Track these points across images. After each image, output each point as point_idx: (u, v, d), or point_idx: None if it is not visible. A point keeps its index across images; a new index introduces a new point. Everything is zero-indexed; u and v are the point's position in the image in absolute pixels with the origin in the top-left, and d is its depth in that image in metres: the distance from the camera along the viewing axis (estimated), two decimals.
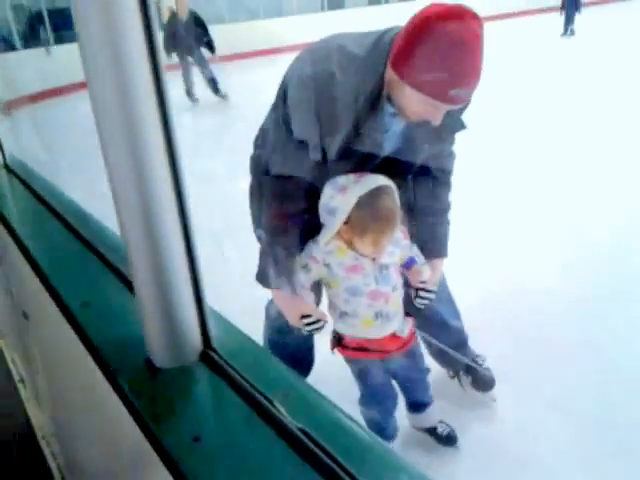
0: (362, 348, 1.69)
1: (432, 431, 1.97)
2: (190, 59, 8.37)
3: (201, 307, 0.67)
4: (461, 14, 1.25)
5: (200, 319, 0.67)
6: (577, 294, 2.75)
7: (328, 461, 0.52)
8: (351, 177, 1.51)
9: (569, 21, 12.63)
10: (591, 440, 1.91)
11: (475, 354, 2.20)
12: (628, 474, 1.77)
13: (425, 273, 1.71)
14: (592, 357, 2.29)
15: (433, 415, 1.96)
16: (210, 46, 8.33)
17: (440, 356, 2.14)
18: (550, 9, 13.62)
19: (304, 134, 1.47)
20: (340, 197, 1.50)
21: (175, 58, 8.23)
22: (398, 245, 1.64)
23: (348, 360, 1.77)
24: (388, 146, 1.56)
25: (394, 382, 1.87)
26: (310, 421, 0.57)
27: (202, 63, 8.45)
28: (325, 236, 1.56)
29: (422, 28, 1.27)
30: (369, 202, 1.48)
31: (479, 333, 2.28)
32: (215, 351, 0.67)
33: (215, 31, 9.07)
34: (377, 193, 1.49)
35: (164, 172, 0.62)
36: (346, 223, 1.51)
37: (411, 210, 1.75)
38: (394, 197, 1.52)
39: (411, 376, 1.86)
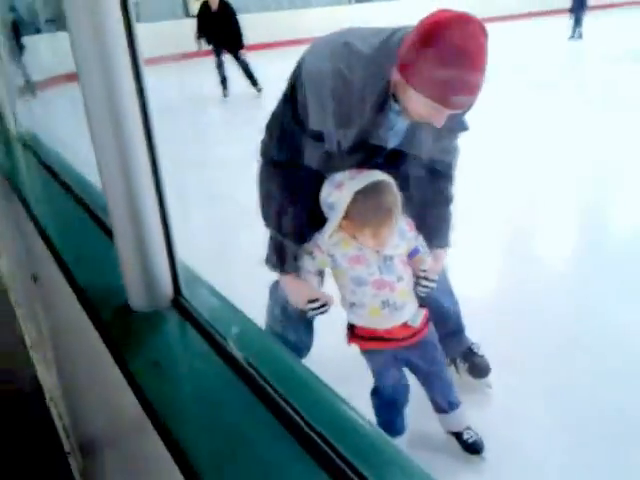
0: (374, 337, 1.72)
1: (458, 436, 1.93)
2: (223, 51, 8.37)
3: (172, 260, 0.77)
4: (467, 22, 1.29)
5: (172, 270, 0.77)
6: (579, 290, 2.83)
7: (262, 383, 0.61)
8: (347, 174, 1.56)
9: (577, 24, 12.48)
10: (575, 428, 1.98)
11: (471, 342, 2.25)
12: (608, 461, 1.82)
13: (427, 262, 1.75)
14: (588, 352, 2.35)
15: (459, 418, 1.93)
16: (239, 38, 8.26)
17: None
18: (557, 11, 13.43)
19: (320, 125, 1.51)
20: (337, 193, 1.55)
21: (205, 46, 8.32)
22: (404, 237, 1.68)
23: (362, 351, 1.80)
24: (393, 142, 1.61)
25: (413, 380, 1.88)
26: (259, 358, 0.67)
27: (237, 57, 8.38)
28: (328, 229, 1.61)
29: (428, 34, 1.29)
30: (365, 198, 1.52)
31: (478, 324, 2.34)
32: (184, 298, 0.78)
33: (241, 21, 9.21)
34: (373, 188, 1.53)
35: (140, 141, 0.72)
36: (346, 218, 1.56)
37: (415, 202, 1.78)
38: (391, 191, 1.56)
39: (428, 369, 1.85)
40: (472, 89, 1.33)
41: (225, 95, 8.52)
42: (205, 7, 8.23)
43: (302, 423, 0.55)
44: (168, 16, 14.97)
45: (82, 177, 1.27)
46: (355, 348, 1.78)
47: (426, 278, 1.72)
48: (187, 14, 15.90)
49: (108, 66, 0.69)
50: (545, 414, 2.05)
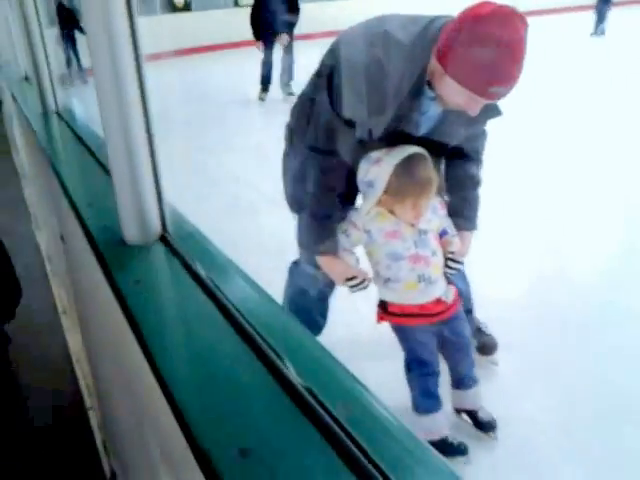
0: (408, 314, 1.78)
1: (473, 414, 1.97)
2: (275, 44, 7.33)
3: (160, 202, 0.92)
4: (509, 16, 1.32)
5: (160, 211, 0.93)
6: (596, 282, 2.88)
7: (233, 311, 0.74)
8: (383, 150, 1.61)
9: (601, 20, 12.24)
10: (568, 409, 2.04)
11: (479, 321, 2.33)
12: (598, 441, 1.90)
13: (455, 244, 1.80)
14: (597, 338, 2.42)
15: (477, 396, 1.97)
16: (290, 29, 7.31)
17: None
18: (583, 7, 13.11)
19: (353, 114, 1.55)
20: (376, 169, 1.60)
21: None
22: (436, 213, 1.74)
23: (395, 327, 1.84)
24: (424, 127, 1.66)
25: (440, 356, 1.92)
26: (238, 294, 0.80)
27: (288, 50, 7.43)
28: (367, 205, 1.67)
29: (470, 26, 1.34)
30: (405, 170, 1.58)
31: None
32: (170, 234, 0.93)
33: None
34: (411, 160, 1.59)
35: (137, 107, 0.87)
36: (385, 192, 1.61)
37: (444, 186, 1.85)
38: (429, 163, 1.62)
39: (457, 343, 1.88)
40: (510, 81, 1.37)
41: (262, 99, 7.66)
42: None
43: (269, 350, 0.65)
44: (219, 5, 15.26)
45: (101, 140, 1.44)
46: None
47: (454, 260, 1.78)
48: (236, 3, 16.17)
49: (114, 51, 0.84)
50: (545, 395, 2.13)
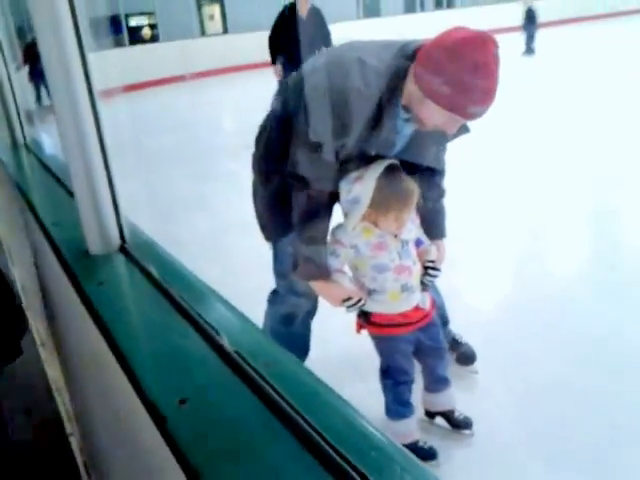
0: (391, 324, 1.83)
1: (449, 415, 2.04)
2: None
3: (119, 217, 1.05)
4: (485, 40, 1.40)
5: (118, 225, 1.06)
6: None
7: (179, 300, 0.88)
8: (361, 169, 1.68)
9: (530, 40, 12.92)
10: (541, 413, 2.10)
11: (454, 332, 2.38)
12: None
13: (433, 252, 1.89)
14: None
15: (452, 398, 2.03)
16: None
17: None
18: (512, 28, 13.75)
19: (323, 139, 1.58)
20: (358, 186, 1.66)
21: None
22: (414, 223, 1.82)
23: (375, 337, 1.90)
24: (398, 146, 1.72)
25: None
26: (187, 289, 0.92)
27: None
28: (352, 222, 1.72)
29: (450, 51, 1.39)
30: (387, 182, 1.65)
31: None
32: (128, 244, 1.06)
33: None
34: (391, 173, 1.65)
35: (94, 134, 1.01)
36: (369, 206, 1.67)
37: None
38: (405, 175, 1.69)
39: (433, 348, 1.95)
40: (488, 101, 1.44)
41: None
42: (289, 13, 6.16)
43: (206, 325, 0.78)
44: (186, 35, 15.50)
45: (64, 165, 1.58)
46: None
47: (434, 268, 1.86)
48: (203, 33, 16.47)
49: (70, 86, 0.97)
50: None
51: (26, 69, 8.72)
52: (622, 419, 2.03)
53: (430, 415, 2.08)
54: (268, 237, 1.96)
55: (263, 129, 1.86)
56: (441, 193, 1.98)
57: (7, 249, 4.08)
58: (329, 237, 1.79)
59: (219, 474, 0.55)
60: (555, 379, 2.25)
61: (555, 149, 5.47)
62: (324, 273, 1.77)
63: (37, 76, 9.40)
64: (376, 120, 1.55)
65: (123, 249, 1.06)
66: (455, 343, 2.36)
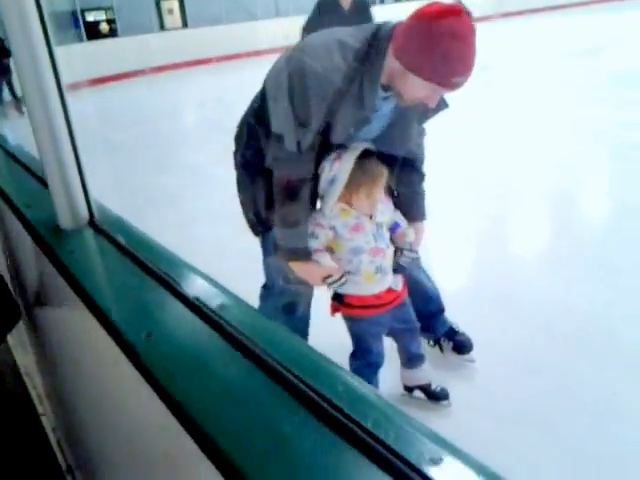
0: (365, 305, 1.89)
1: (426, 388, 2.15)
2: None
3: (87, 195, 1.17)
4: (460, 11, 1.44)
5: (87, 201, 1.17)
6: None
7: (148, 264, 1.01)
8: (338, 150, 1.74)
9: None
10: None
11: (450, 321, 2.43)
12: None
13: (410, 235, 1.95)
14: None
15: (427, 372, 2.13)
16: None
17: (421, 326, 2.20)
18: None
19: (322, 120, 1.61)
20: (337, 165, 1.72)
21: None
22: (386, 206, 1.88)
23: (348, 318, 1.96)
24: (377, 126, 1.77)
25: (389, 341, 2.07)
26: (153, 254, 1.05)
27: None
28: (329, 203, 1.77)
29: (429, 24, 1.44)
30: (360, 163, 1.72)
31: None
32: (96, 219, 1.18)
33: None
34: (366, 155, 1.73)
35: (62, 121, 1.12)
36: (344, 187, 1.73)
37: (394, 181, 1.97)
38: (376, 159, 1.77)
39: (406, 326, 2.04)
40: (469, 70, 1.50)
41: None
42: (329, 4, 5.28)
43: (167, 276, 0.94)
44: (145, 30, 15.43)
45: (31, 155, 1.68)
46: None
47: (410, 250, 1.93)
48: (162, 27, 16.37)
49: (40, 79, 1.08)
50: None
51: None
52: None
53: (409, 389, 2.19)
54: (256, 232, 2.00)
55: (242, 125, 1.91)
56: (421, 177, 2.04)
57: None
58: (309, 222, 1.82)
59: (183, 391, 0.68)
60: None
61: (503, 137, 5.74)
62: (304, 254, 1.80)
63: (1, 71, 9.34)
64: (356, 99, 1.59)
65: (92, 223, 1.18)
66: (452, 332, 2.40)
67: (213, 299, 0.82)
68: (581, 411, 2.09)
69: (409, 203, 2.02)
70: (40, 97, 1.09)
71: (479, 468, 0.49)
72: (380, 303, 1.90)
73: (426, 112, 1.76)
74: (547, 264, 3.26)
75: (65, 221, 1.17)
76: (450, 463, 0.50)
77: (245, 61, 13.89)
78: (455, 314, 2.47)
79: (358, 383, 0.64)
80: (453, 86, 1.52)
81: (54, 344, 1.53)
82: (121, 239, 1.07)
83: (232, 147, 1.96)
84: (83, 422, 1.52)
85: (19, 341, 2.76)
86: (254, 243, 2.08)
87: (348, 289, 1.87)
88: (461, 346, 2.38)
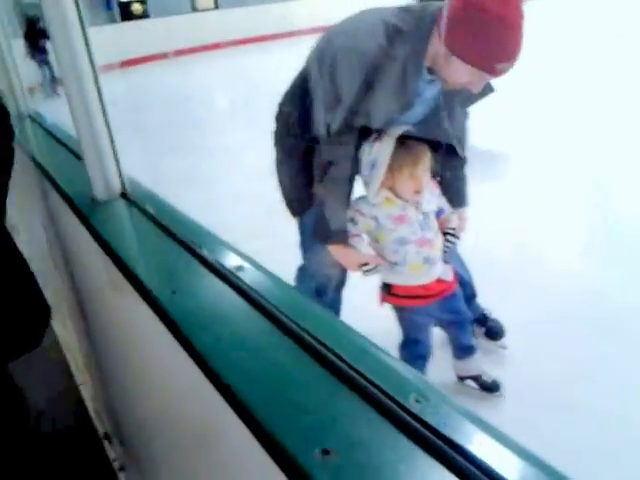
0: (412, 295, 1.86)
1: (478, 378, 2.11)
2: None
3: (119, 169, 1.26)
4: None
5: (119, 175, 1.27)
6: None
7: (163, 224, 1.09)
8: (377, 133, 1.70)
9: None
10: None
11: (482, 307, 2.40)
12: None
13: (454, 220, 1.91)
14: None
15: (479, 362, 2.10)
16: None
17: None
18: None
19: (363, 101, 1.59)
20: (377, 146, 1.68)
21: None
22: (433, 194, 1.83)
23: (396, 308, 1.93)
24: (420, 109, 1.73)
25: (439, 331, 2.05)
26: (179, 224, 1.14)
27: None
28: (373, 188, 1.72)
29: (476, 7, 1.39)
30: (400, 144, 1.67)
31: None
32: (128, 191, 1.27)
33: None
34: (405, 136, 1.69)
35: (96, 99, 1.21)
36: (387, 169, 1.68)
37: (437, 166, 1.89)
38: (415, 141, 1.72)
39: (456, 318, 2.00)
40: (515, 56, 1.45)
41: None
42: None
43: (211, 258, 1.02)
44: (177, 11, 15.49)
45: (67, 132, 1.78)
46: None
47: (453, 235, 1.88)
48: (194, 8, 16.40)
49: (75, 61, 1.16)
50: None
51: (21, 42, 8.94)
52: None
53: (460, 378, 2.19)
54: (294, 212, 1.99)
55: (283, 105, 1.90)
56: (463, 162, 1.99)
57: (11, 225, 4.28)
58: (350, 207, 1.81)
59: (204, 342, 0.76)
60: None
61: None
62: (342, 237, 1.79)
63: (40, 52, 9.60)
64: (398, 81, 1.55)
65: (124, 195, 1.27)
66: (484, 318, 2.39)
67: (231, 261, 0.90)
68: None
69: (452, 189, 1.97)
70: (75, 78, 1.18)
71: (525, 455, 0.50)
72: (428, 294, 1.87)
73: (471, 96, 1.71)
74: (582, 252, 3.21)
75: (99, 193, 1.27)
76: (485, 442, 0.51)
77: (277, 43, 13.91)
78: (485, 299, 2.44)
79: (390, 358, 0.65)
80: (498, 72, 1.47)
81: (89, 312, 1.65)
82: (150, 209, 1.16)
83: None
84: (118, 389, 1.63)
85: (60, 316, 2.90)
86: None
87: (395, 279, 1.85)
88: (493, 332, 2.36)
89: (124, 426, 1.78)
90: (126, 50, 13.04)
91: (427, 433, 0.50)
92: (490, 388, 2.10)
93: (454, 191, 1.98)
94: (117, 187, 1.28)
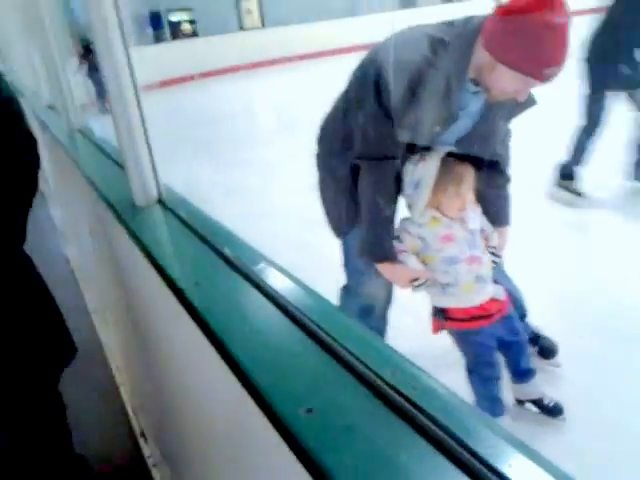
0: (473, 317, 1.80)
1: (538, 402, 2.01)
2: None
3: (157, 178, 1.37)
4: (555, 1, 1.38)
5: (156, 183, 1.38)
6: None
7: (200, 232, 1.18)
8: (421, 152, 1.70)
9: None
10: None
11: (533, 325, 2.33)
12: None
13: (495, 239, 1.89)
14: None
15: (537, 386, 2.01)
16: None
17: None
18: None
19: (409, 115, 1.57)
20: (421, 166, 1.67)
21: None
22: (476, 212, 1.81)
23: (455, 333, 1.87)
24: (464, 124, 1.70)
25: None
26: (210, 228, 1.23)
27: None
28: (418, 209, 1.72)
29: (522, 12, 1.39)
30: (444, 163, 1.68)
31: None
32: (164, 198, 1.38)
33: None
34: (448, 157, 1.70)
35: (137, 115, 1.32)
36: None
37: (480, 184, 1.85)
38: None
39: (515, 338, 1.92)
40: (562, 60, 1.42)
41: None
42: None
43: (237, 260, 1.11)
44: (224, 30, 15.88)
45: (112, 144, 1.91)
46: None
47: (495, 254, 1.86)
48: (241, 27, 16.79)
49: (119, 81, 1.28)
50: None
51: (84, 67, 9.38)
52: None
53: (519, 402, 2.09)
54: (339, 232, 1.97)
55: (326, 125, 1.90)
56: (506, 179, 1.96)
57: (60, 230, 4.51)
58: (396, 227, 1.79)
59: (224, 330, 0.84)
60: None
61: None
62: (390, 254, 1.77)
63: (97, 72, 10.09)
64: (442, 92, 1.55)
65: (160, 201, 1.38)
66: (535, 336, 2.33)
67: (254, 262, 0.98)
68: None
69: (494, 207, 1.95)
70: (119, 95, 1.29)
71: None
72: (486, 314, 1.81)
73: (513, 109, 1.69)
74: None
75: (139, 199, 1.38)
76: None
77: (322, 60, 14.09)
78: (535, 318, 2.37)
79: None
80: (545, 77, 1.45)
81: (132, 313, 1.76)
82: (183, 214, 1.25)
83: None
84: (154, 389, 1.73)
85: (102, 319, 3.05)
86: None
87: (449, 302, 1.81)
88: (546, 350, 2.30)
89: (158, 424, 1.88)
90: (178, 67, 13.49)
91: (400, 399, 0.56)
92: (552, 412, 2.01)
93: (497, 210, 1.96)
94: (154, 194, 1.38)
